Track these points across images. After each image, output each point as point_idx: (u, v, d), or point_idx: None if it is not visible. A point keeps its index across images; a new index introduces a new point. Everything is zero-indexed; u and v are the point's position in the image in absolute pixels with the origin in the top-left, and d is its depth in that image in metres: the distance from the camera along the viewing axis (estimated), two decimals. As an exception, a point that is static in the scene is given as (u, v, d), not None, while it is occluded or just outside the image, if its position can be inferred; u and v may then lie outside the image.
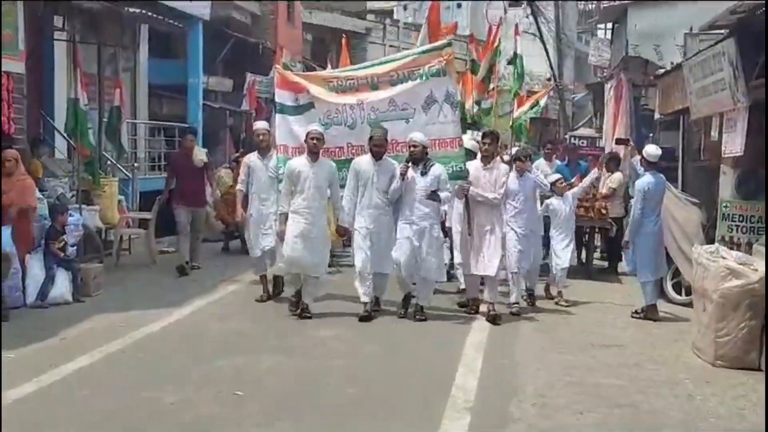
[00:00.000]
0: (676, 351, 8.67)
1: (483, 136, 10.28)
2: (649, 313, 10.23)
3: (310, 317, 9.49)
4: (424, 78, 9.94)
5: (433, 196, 9.56)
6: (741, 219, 10.07)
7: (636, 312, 10.35)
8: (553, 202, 11.34)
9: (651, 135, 19.77)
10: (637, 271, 10.48)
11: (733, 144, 10.49)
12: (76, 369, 7.31)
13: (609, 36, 27.79)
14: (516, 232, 10.37)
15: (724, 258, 8.37)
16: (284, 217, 9.62)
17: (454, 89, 10.26)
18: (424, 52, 10.38)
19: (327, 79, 10.58)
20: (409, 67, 10.04)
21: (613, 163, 13.81)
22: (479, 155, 10.20)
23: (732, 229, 10.07)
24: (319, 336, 8.79)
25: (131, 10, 15.70)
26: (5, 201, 9.49)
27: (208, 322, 9.36)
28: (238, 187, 10.86)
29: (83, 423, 5.98)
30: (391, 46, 36.44)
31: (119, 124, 14.76)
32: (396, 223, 9.76)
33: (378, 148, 9.70)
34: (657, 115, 17.19)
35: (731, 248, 9.27)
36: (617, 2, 21.10)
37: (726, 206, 10.30)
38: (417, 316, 9.64)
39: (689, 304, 9.58)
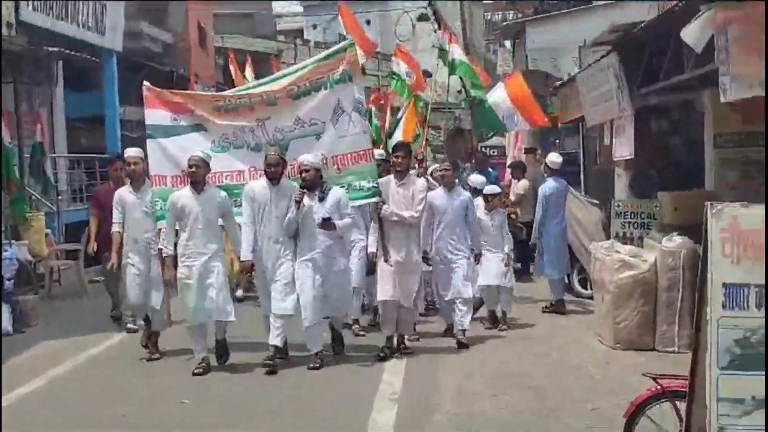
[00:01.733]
0: (581, 339, 9.55)
1: (395, 149, 9.31)
2: (557, 307, 11.12)
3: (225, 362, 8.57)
4: (329, 87, 8.84)
5: (325, 225, 8.29)
6: (633, 216, 11.01)
7: (546, 307, 11.24)
8: (482, 216, 10.10)
9: (557, 141, 20.88)
10: (545, 270, 11.38)
11: (622, 148, 11.52)
12: (27, 392, 7.79)
13: (511, 49, 28.89)
14: (447, 256, 9.40)
15: (617, 252, 9.29)
16: (171, 260, 8.39)
17: (361, 95, 8.96)
18: (325, 57, 9.16)
19: (215, 98, 9.56)
20: (311, 78, 8.92)
21: (518, 170, 14.57)
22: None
23: (625, 226, 11.02)
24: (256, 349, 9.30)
25: (49, 49, 16.02)
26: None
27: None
28: (114, 228, 9.20)
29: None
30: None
31: (43, 159, 15.04)
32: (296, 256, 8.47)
33: (273, 169, 8.39)
34: (560, 124, 18.23)
35: (625, 243, 10.16)
36: (513, 21, 22.20)
37: (618, 205, 11.28)
38: (313, 365, 8.39)
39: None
